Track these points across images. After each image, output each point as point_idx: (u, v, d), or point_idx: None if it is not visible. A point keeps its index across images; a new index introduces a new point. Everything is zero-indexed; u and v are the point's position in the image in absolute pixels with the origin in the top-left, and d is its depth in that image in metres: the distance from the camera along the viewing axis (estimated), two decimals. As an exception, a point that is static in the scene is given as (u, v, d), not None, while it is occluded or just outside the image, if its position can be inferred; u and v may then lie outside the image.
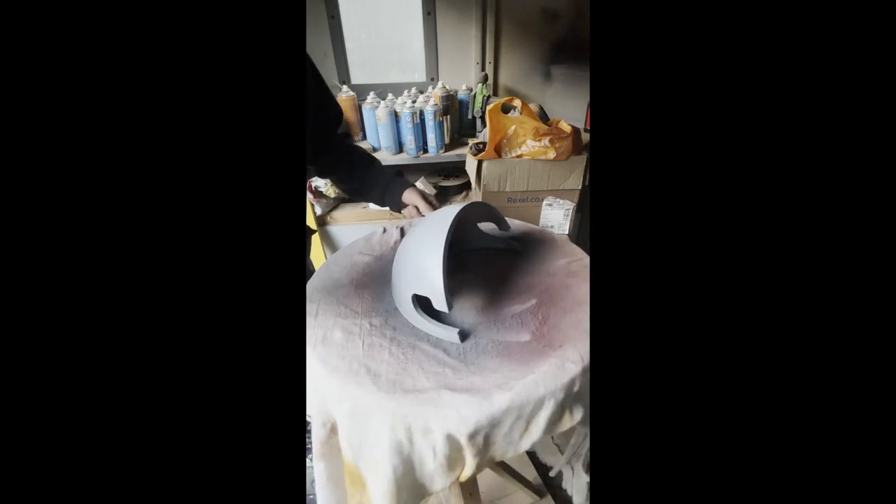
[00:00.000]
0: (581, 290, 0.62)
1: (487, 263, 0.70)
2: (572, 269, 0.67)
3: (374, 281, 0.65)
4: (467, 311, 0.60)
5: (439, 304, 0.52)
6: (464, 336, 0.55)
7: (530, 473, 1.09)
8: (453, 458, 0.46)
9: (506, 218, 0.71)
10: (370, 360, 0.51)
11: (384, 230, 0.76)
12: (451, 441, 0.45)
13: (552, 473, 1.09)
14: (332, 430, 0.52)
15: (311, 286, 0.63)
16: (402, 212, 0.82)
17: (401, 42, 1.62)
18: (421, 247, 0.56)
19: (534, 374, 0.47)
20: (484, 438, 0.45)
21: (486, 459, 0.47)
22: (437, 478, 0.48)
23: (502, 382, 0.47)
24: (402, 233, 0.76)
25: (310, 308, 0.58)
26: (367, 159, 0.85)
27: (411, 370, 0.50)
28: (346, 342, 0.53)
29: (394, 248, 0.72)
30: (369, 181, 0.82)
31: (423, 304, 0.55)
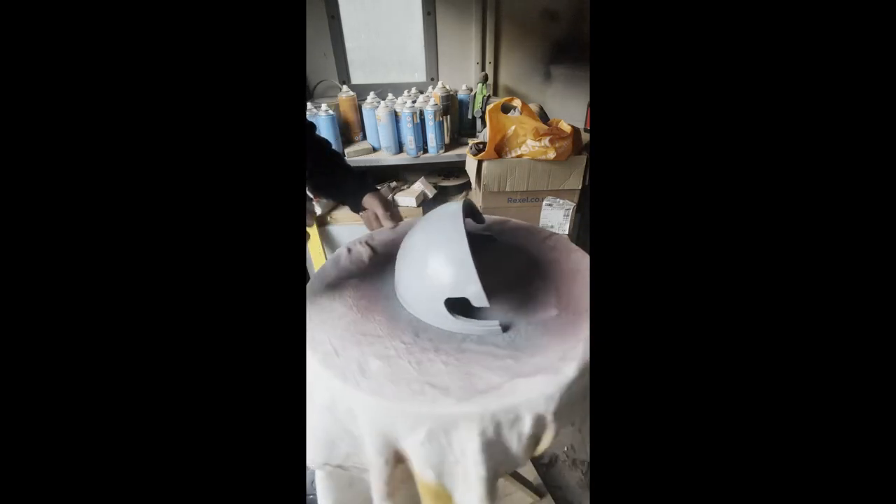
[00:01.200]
0: (570, 260, 0.69)
1: (476, 255, 0.71)
2: (551, 245, 0.73)
3: (374, 300, 0.63)
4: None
5: (479, 301, 0.53)
6: (504, 327, 0.57)
7: (530, 473, 1.09)
8: (535, 436, 0.49)
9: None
10: (428, 376, 0.50)
11: (349, 250, 0.73)
12: (538, 422, 0.47)
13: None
14: (397, 462, 0.50)
15: (311, 325, 0.58)
16: (360, 215, 0.78)
17: (401, 42, 1.62)
18: (439, 252, 0.56)
19: (583, 341, 0.52)
20: (565, 409, 0.48)
21: (562, 428, 0.49)
22: (520, 458, 0.49)
23: (562, 355, 0.50)
24: (371, 247, 0.73)
25: (326, 347, 0.54)
26: (334, 156, 0.82)
27: (476, 372, 0.50)
28: (389, 368, 0.51)
29: (371, 264, 0.70)
30: (331, 178, 0.78)
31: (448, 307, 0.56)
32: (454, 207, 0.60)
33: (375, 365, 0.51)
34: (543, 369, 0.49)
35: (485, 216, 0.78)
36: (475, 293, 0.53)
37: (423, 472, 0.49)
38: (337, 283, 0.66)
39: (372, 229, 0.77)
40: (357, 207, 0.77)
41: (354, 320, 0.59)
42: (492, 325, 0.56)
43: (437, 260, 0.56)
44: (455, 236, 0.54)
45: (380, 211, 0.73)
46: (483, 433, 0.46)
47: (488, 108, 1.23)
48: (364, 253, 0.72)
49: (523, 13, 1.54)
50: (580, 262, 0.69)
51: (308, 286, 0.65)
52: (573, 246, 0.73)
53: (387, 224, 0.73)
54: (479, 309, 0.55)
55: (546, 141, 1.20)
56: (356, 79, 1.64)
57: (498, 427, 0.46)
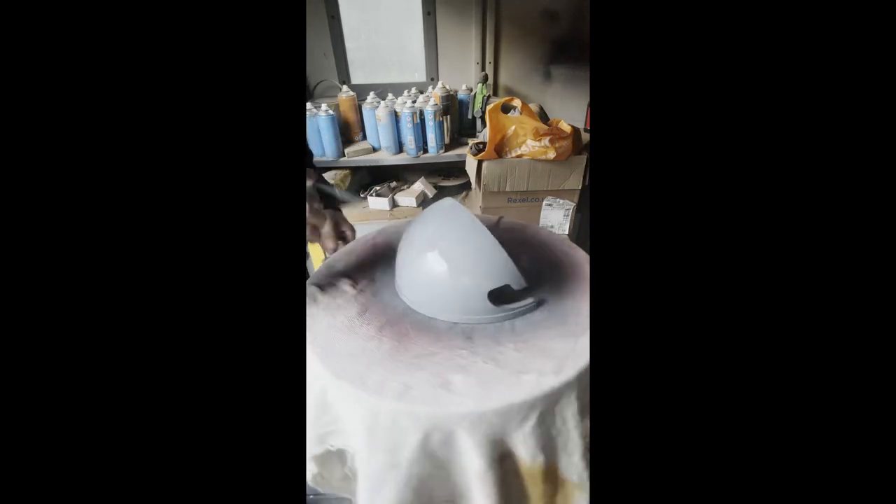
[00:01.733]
0: (529, 232, 0.77)
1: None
2: (505, 227, 0.80)
3: (396, 323, 0.59)
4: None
5: (519, 282, 0.56)
6: (539, 302, 0.61)
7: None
8: None
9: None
10: (514, 366, 0.51)
11: (320, 287, 0.65)
12: None
13: None
14: (503, 458, 0.50)
15: (357, 371, 0.52)
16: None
17: (401, 42, 1.62)
18: (471, 251, 0.56)
19: None
20: None
21: None
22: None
23: None
24: (346, 275, 0.68)
25: (394, 386, 0.49)
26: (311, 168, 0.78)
27: (548, 346, 0.54)
28: (472, 376, 0.50)
29: (358, 291, 0.65)
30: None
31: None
32: (448, 203, 0.60)
33: (458, 379, 0.50)
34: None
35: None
36: (515, 276, 0.55)
37: (533, 459, 0.49)
38: (337, 322, 0.59)
39: (312, 241, 0.69)
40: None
41: (395, 348, 0.55)
42: (528, 302, 0.59)
43: (472, 258, 0.56)
44: (475, 231, 0.56)
45: (325, 229, 0.64)
46: (580, 395, 0.48)
47: (488, 108, 1.23)
48: (342, 284, 0.66)
49: (523, 13, 1.54)
50: (540, 232, 0.76)
51: (308, 338, 0.57)
52: (522, 223, 0.79)
53: (328, 244, 0.65)
54: (509, 294, 0.58)
55: (546, 141, 1.20)
56: (356, 79, 1.64)
57: (586, 383, 0.48)
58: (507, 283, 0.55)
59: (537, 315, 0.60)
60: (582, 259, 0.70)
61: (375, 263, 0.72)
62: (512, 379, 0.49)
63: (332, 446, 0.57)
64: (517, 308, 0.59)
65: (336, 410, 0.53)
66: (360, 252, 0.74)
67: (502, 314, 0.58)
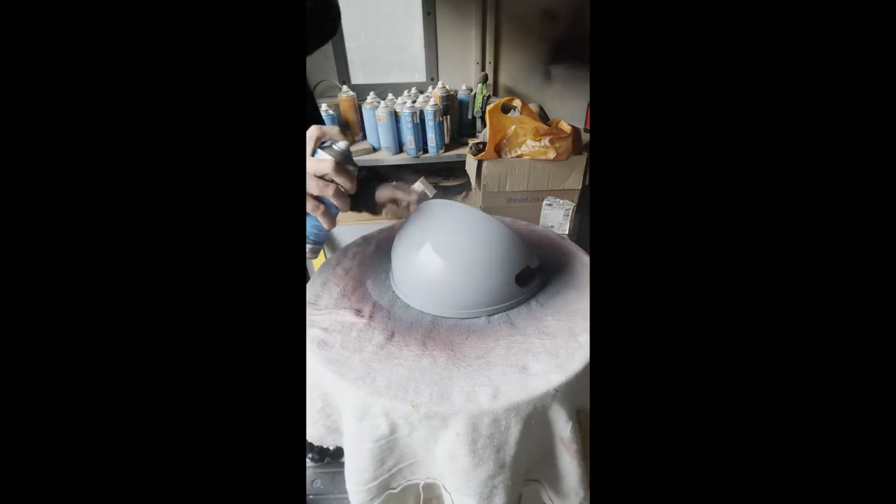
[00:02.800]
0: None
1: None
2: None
3: (433, 336, 0.57)
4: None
5: (534, 260, 0.60)
6: (545, 281, 0.65)
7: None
8: None
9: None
10: (565, 333, 0.56)
11: (322, 341, 0.58)
12: None
13: None
14: (578, 414, 0.52)
15: (431, 393, 0.49)
16: (383, 213, 0.74)
17: (401, 42, 1.62)
18: (494, 241, 0.57)
19: (587, 265, 0.65)
20: None
21: None
22: None
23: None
24: (355, 311, 0.62)
25: (482, 389, 0.48)
26: None
27: (578, 307, 0.60)
28: (540, 353, 0.53)
29: (370, 315, 0.61)
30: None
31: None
32: (442, 202, 0.61)
33: (531, 361, 0.52)
34: None
35: None
36: (532, 255, 0.58)
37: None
38: (367, 355, 0.55)
39: (400, 217, 0.74)
40: (374, 207, 0.75)
41: (452, 357, 0.53)
42: (538, 281, 0.63)
43: (492, 249, 0.57)
44: (483, 221, 0.56)
45: (399, 194, 0.72)
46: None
47: (488, 108, 1.23)
48: (344, 316, 0.61)
49: (523, 13, 1.54)
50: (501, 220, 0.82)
51: (351, 378, 0.51)
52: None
53: (412, 198, 0.71)
54: (530, 272, 0.61)
55: (546, 141, 1.20)
56: (356, 79, 1.64)
57: None
58: (528, 263, 0.57)
59: (549, 291, 0.63)
60: (541, 230, 0.77)
61: (362, 286, 0.67)
62: (574, 344, 0.53)
63: (394, 489, 0.54)
64: (537, 284, 0.62)
65: (406, 444, 0.51)
66: (334, 283, 0.69)
67: (526, 294, 0.60)
